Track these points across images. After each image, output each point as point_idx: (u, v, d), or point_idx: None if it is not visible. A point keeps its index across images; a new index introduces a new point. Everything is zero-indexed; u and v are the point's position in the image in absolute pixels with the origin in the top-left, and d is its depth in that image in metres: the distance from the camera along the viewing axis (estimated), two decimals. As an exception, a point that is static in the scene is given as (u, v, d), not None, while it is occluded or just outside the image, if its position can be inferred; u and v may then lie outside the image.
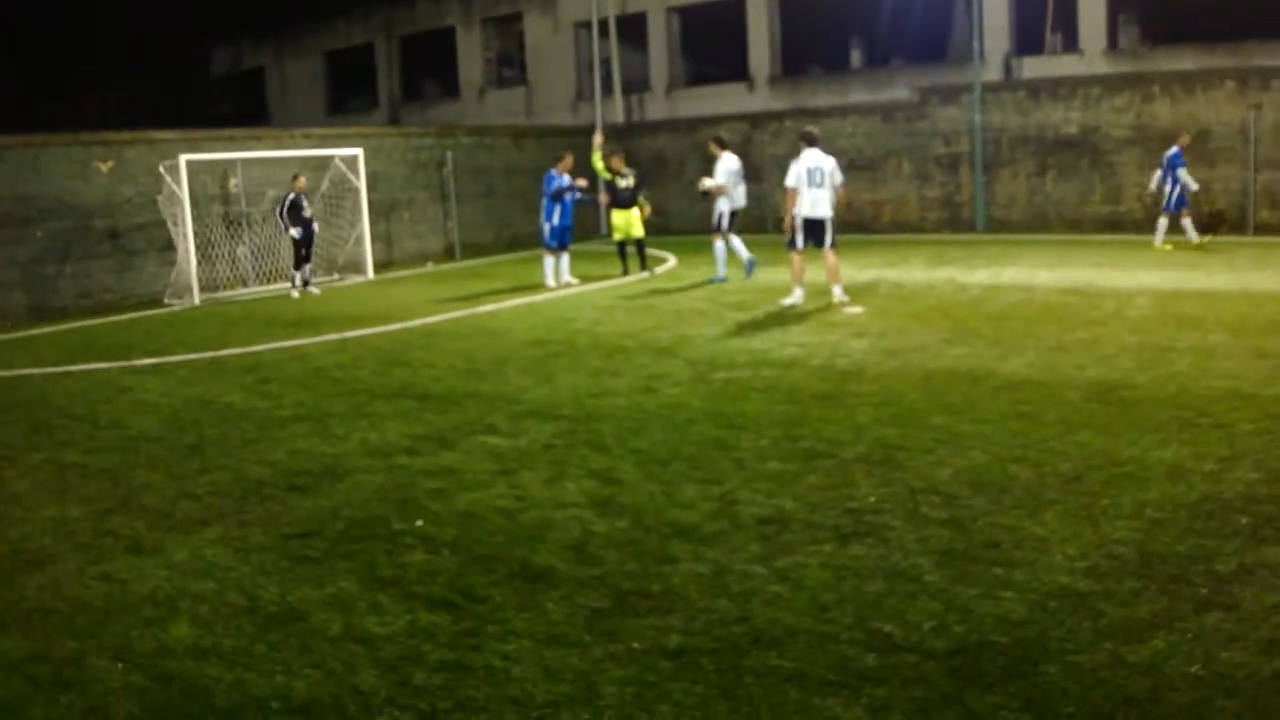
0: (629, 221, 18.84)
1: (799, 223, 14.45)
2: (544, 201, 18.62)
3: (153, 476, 7.84)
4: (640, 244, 19.15)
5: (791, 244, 14.62)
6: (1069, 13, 25.60)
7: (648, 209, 19.13)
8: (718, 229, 17.76)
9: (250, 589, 5.59)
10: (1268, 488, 6.32)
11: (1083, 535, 5.70)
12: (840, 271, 14.85)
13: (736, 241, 17.78)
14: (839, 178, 14.70)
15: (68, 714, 4.43)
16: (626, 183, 18.81)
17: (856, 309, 13.85)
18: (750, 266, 17.75)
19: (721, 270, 17.74)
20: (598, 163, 19.44)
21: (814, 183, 14.36)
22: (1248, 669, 4.24)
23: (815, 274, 15.13)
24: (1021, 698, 4.12)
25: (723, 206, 17.60)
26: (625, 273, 19.29)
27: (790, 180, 14.43)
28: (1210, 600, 4.86)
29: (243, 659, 4.80)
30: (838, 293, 14.57)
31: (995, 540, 5.70)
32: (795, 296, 14.59)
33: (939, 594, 5.07)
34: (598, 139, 20.64)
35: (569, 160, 18.73)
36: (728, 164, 17.65)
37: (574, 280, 18.64)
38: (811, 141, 14.64)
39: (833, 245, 14.55)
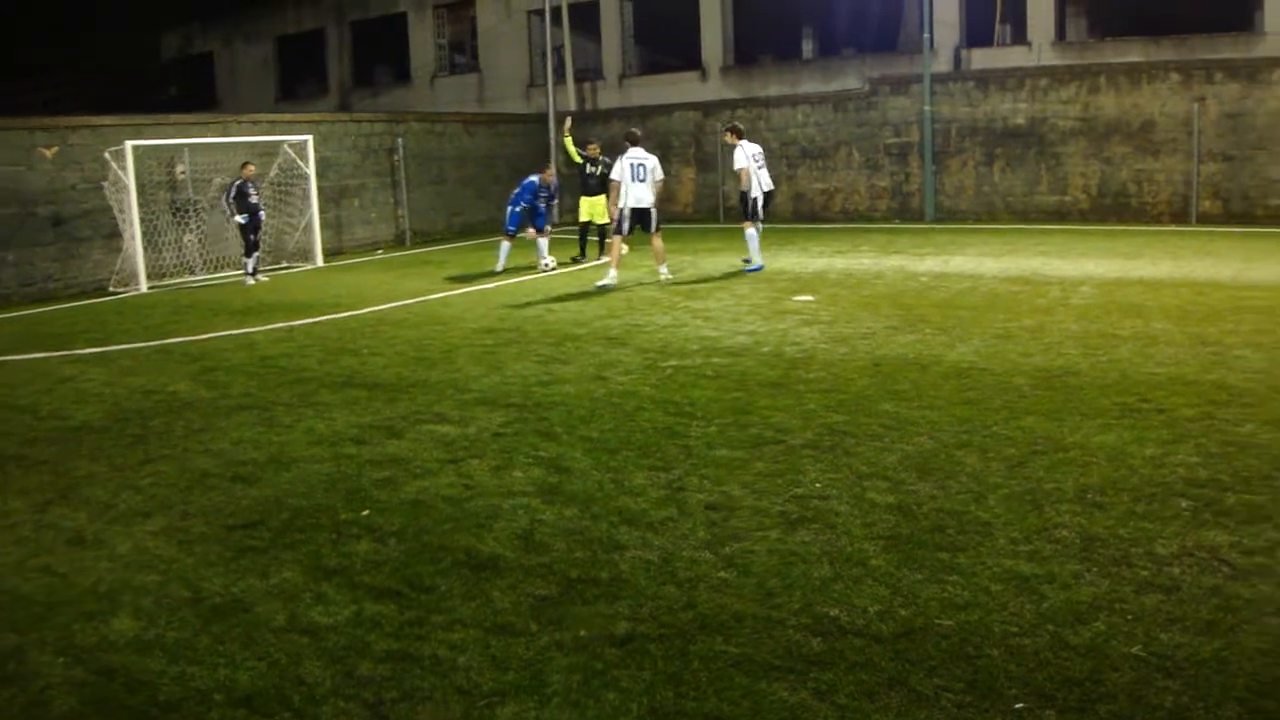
0: (594, 208, 19.09)
1: (627, 212, 15.89)
2: (520, 190, 18.83)
3: (95, 468, 7.73)
4: (603, 231, 19.29)
5: (619, 230, 16.18)
6: (1018, 5, 25.84)
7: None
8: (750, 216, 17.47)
9: (194, 580, 5.53)
10: (1208, 471, 6.42)
11: (1026, 519, 5.77)
12: (665, 254, 16.79)
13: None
14: (660, 174, 16.30)
15: (8, 708, 4.35)
16: (593, 170, 19.20)
17: (807, 298, 13.93)
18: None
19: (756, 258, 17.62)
20: (570, 146, 19.77)
21: (637, 178, 15.97)
22: (1188, 649, 4.31)
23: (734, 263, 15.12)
24: (965, 680, 4.16)
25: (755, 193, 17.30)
26: (582, 256, 19.46)
27: (614, 174, 16.18)
28: (1151, 582, 4.93)
29: (186, 651, 4.74)
30: (664, 272, 16.48)
31: (941, 525, 5.75)
32: (609, 278, 15.90)
33: (885, 578, 5.10)
34: (568, 123, 20.83)
35: (550, 173, 19.22)
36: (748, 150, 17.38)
37: (550, 261, 18.79)
38: (634, 141, 16.44)
39: (657, 230, 16.26)
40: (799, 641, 4.53)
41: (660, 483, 6.69)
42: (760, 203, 17.17)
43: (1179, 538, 5.42)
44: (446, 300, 15.57)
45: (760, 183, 17.15)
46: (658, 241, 16.34)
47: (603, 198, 18.86)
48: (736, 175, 17.68)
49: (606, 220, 19.06)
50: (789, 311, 12.96)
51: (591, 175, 19.18)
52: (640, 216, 16.03)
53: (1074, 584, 4.95)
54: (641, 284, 15.99)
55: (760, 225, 17.43)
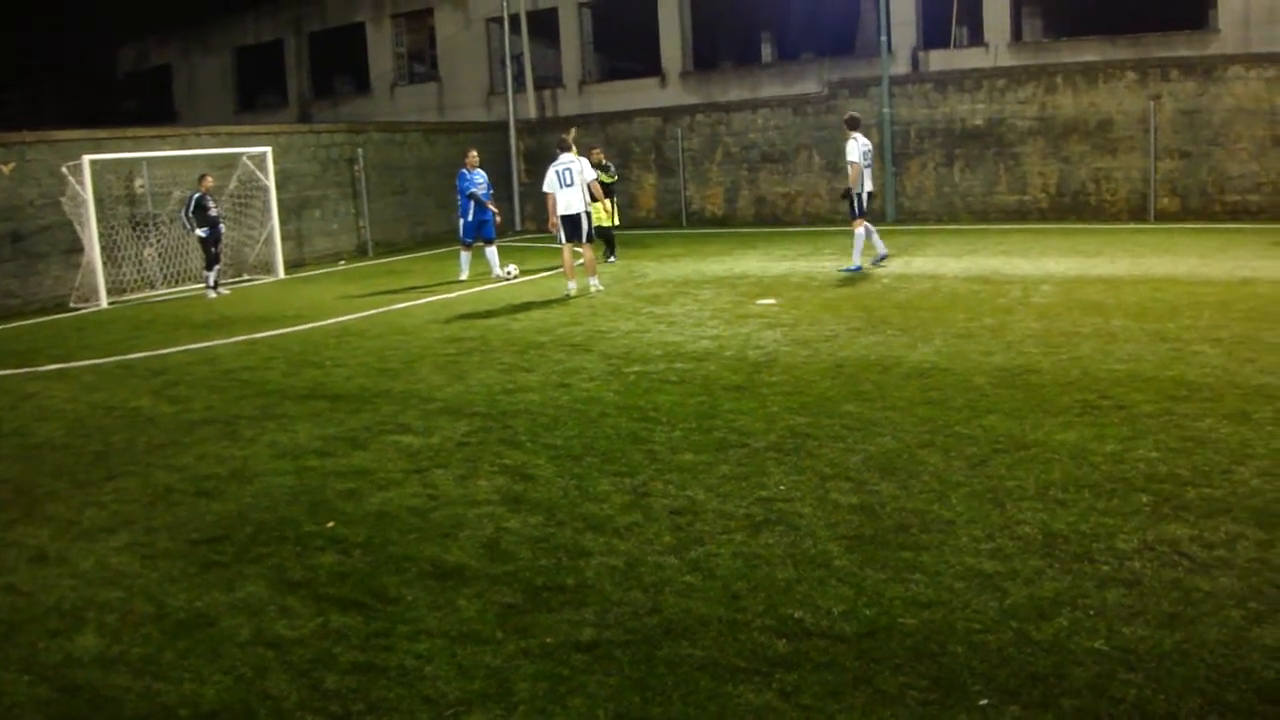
0: (599, 212, 19.10)
1: (560, 221, 15.74)
2: (459, 199, 18.78)
3: (58, 485, 7.66)
4: (608, 233, 19.72)
5: (561, 239, 15.98)
6: (974, 7, 26.04)
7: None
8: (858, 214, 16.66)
9: (158, 596, 5.49)
10: (1167, 466, 6.49)
11: (989, 517, 5.81)
12: (595, 265, 16.36)
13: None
14: (589, 175, 16.01)
15: (-33, 729, 4.32)
16: (603, 177, 19.18)
17: (769, 301, 13.98)
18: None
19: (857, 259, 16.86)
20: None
21: (565, 183, 15.68)
22: (1149, 642, 4.36)
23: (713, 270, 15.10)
24: (929, 678, 4.19)
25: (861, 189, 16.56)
26: (610, 255, 20.07)
27: (545, 186, 15.91)
28: (1112, 577, 4.99)
29: (151, 667, 4.71)
30: (594, 283, 16.00)
31: (904, 524, 5.79)
32: (570, 288, 15.85)
33: (849, 579, 5.13)
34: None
35: (474, 157, 18.95)
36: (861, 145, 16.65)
37: (513, 269, 18.71)
38: (564, 148, 16.03)
39: (589, 239, 15.96)
40: (764, 643, 4.55)
41: (625, 488, 6.70)
42: (865, 200, 16.53)
43: (1140, 533, 5.48)
44: (409, 310, 15.52)
45: (866, 180, 16.55)
46: (588, 251, 15.96)
47: (607, 201, 19.17)
48: (846, 170, 16.81)
49: (610, 223, 19.71)
50: (752, 315, 13.00)
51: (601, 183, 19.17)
52: (569, 223, 15.72)
53: (1036, 580, 5.00)
54: (596, 290, 15.96)
55: (870, 225, 16.71)
